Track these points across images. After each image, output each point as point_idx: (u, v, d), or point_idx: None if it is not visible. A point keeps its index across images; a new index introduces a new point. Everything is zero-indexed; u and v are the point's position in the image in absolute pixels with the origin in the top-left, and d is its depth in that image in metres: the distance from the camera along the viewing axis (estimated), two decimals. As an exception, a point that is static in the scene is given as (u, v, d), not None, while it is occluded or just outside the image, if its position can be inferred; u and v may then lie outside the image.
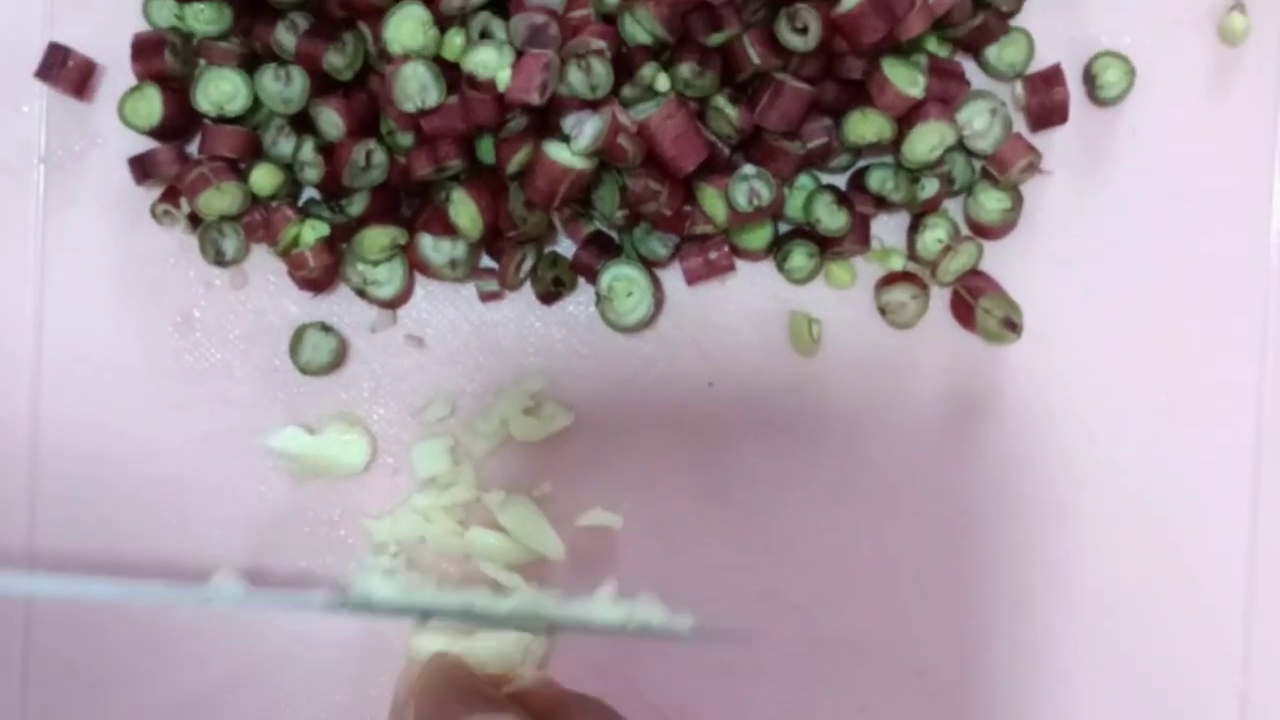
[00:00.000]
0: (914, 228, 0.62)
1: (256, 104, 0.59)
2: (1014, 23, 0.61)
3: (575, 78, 0.56)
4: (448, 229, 0.59)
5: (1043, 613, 0.63)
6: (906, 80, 0.58)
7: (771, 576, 0.62)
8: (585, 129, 0.56)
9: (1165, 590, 0.63)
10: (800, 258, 0.61)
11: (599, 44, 0.56)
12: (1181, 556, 0.63)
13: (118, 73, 0.61)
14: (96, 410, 0.62)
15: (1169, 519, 0.63)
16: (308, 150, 0.58)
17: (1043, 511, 0.63)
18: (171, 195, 0.60)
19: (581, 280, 0.62)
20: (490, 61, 0.55)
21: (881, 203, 0.61)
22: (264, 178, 0.59)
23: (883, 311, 0.62)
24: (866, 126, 0.59)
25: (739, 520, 0.62)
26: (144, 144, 0.61)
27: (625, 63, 0.57)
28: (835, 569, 0.62)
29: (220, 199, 0.58)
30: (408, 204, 0.61)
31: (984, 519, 0.62)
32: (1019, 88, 0.61)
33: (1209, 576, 0.63)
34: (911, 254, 0.62)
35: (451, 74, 0.57)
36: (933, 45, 0.60)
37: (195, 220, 0.60)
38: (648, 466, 0.62)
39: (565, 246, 0.62)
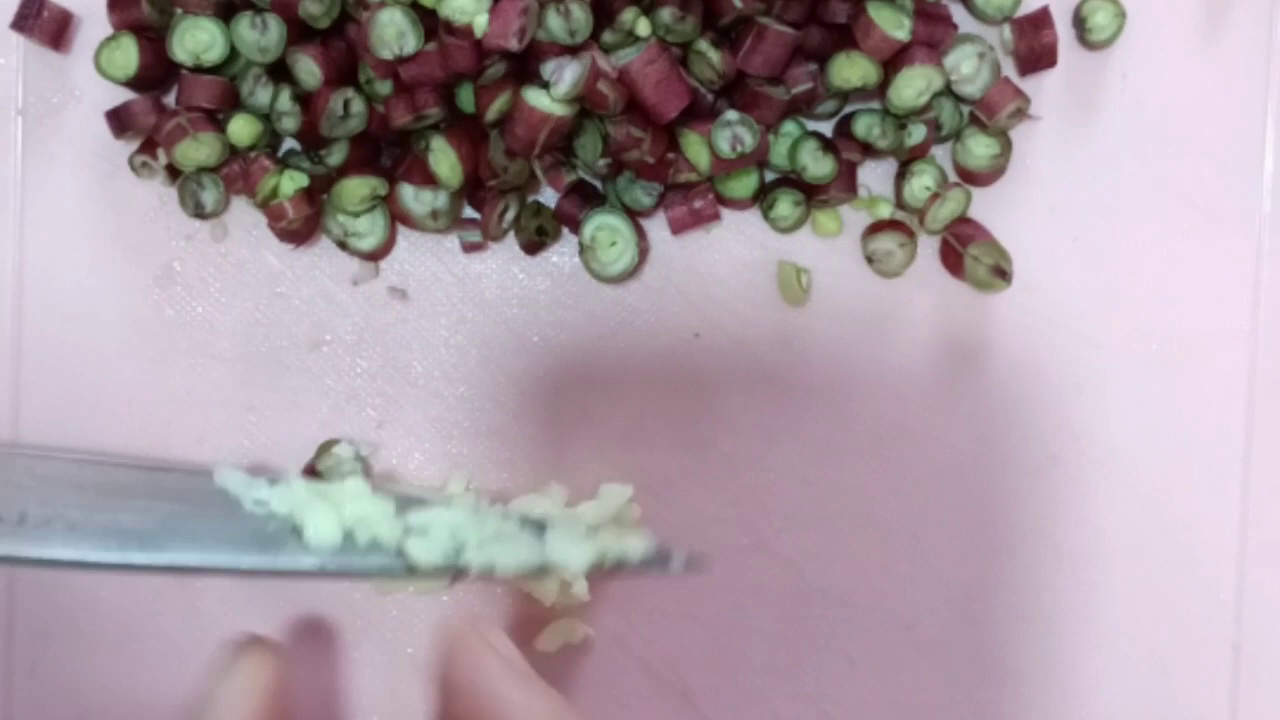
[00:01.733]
0: (901, 175, 0.61)
1: (234, 53, 0.58)
2: (1002, -35, 0.60)
3: (554, 23, 0.55)
4: (428, 179, 0.58)
5: (1032, 565, 0.62)
6: (892, 23, 0.57)
7: (759, 529, 0.62)
8: (565, 75, 0.55)
9: (1157, 541, 0.62)
10: (786, 206, 0.60)
11: (578, -12, 0.55)
12: (1173, 507, 0.62)
13: (94, 23, 0.61)
14: (77, 365, 0.61)
15: (1160, 469, 0.62)
16: (285, 100, 0.58)
17: (1032, 462, 0.62)
18: (149, 147, 0.59)
19: (566, 231, 0.61)
20: (467, 7, 0.54)
21: (868, 149, 0.60)
22: (242, 128, 0.58)
23: (869, 260, 0.61)
24: (852, 70, 0.58)
25: (725, 472, 0.62)
26: (121, 95, 0.60)
27: (605, 7, 0.56)
28: (823, 521, 0.62)
29: (197, 150, 0.58)
30: (388, 154, 0.61)
31: (973, 470, 0.62)
32: (1007, 31, 0.61)
33: (1201, 526, 0.62)
34: (899, 202, 0.61)
35: (429, 20, 0.56)
36: (919, -12, 0.60)
37: (174, 172, 0.60)
38: (633, 418, 0.62)
39: (549, 197, 0.61)
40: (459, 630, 0.50)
